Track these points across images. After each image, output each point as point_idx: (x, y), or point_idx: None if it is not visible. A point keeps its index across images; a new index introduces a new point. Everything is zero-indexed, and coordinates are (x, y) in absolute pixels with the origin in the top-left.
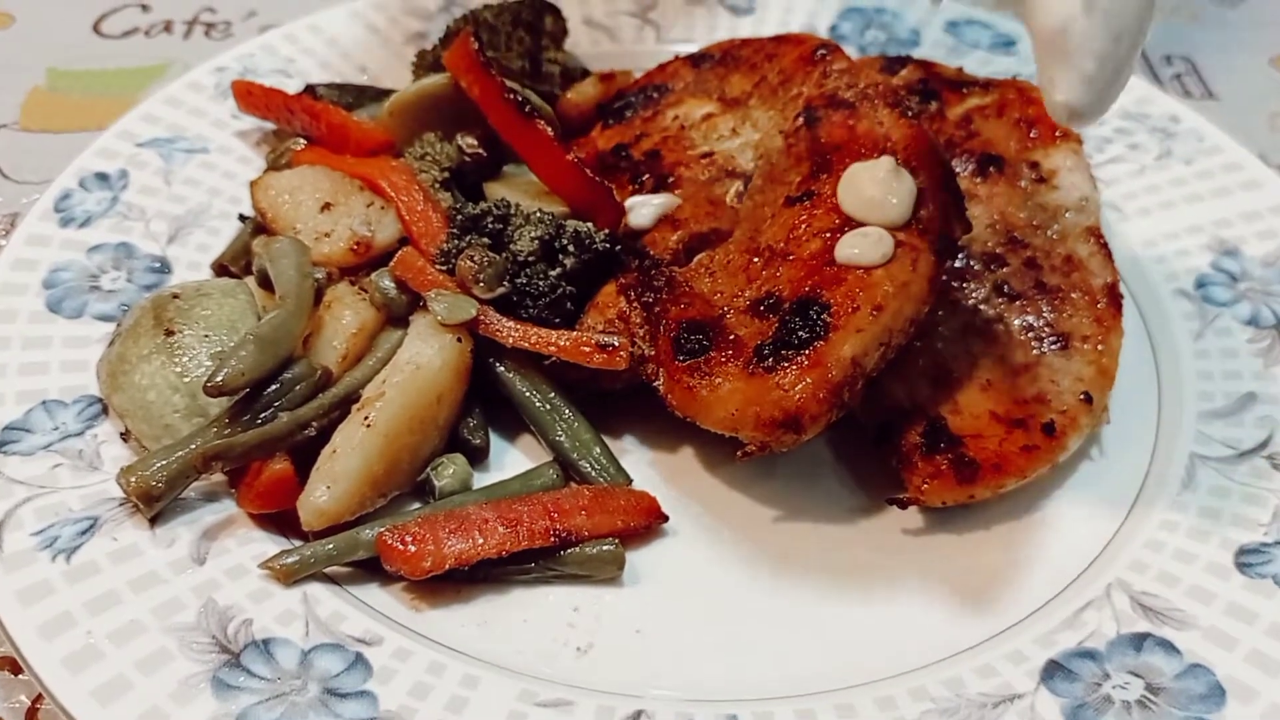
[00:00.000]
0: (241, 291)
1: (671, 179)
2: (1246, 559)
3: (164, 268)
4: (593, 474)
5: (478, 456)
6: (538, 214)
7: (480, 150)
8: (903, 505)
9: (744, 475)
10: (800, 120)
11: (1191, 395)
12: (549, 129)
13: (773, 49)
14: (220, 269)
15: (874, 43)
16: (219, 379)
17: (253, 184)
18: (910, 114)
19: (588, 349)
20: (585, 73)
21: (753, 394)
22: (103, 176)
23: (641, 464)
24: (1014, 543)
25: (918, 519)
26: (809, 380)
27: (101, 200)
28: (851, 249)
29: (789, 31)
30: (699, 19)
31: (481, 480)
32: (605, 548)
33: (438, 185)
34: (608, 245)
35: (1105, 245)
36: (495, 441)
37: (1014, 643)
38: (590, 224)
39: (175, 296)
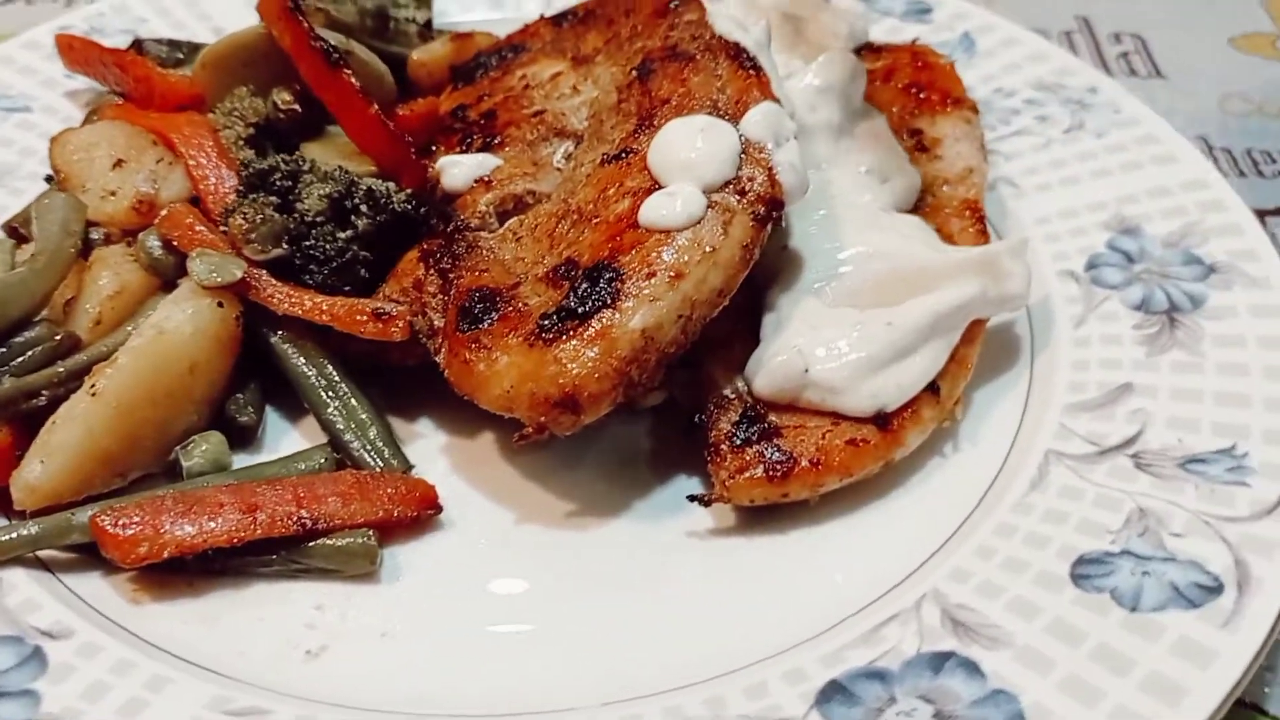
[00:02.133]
0: (2, 249)
1: (499, 140)
2: (1085, 569)
3: None
4: (365, 457)
5: (245, 437)
6: (331, 171)
7: (295, 106)
8: (705, 503)
9: (545, 464)
10: (634, 73)
11: (1062, 386)
12: (354, 80)
13: (632, 3)
14: (11, 230)
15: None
16: None
17: (52, 141)
18: (752, 68)
19: (362, 317)
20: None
21: (529, 369)
22: None
23: (432, 449)
24: (831, 547)
25: (730, 517)
26: (590, 355)
27: None
28: (657, 210)
29: None
30: None
31: (249, 463)
32: (356, 540)
33: (241, 142)
34: (407, 206)
35: (982, 220)
36: (276, 423)
37: (798, 659)
38: (391, 183)
39: None
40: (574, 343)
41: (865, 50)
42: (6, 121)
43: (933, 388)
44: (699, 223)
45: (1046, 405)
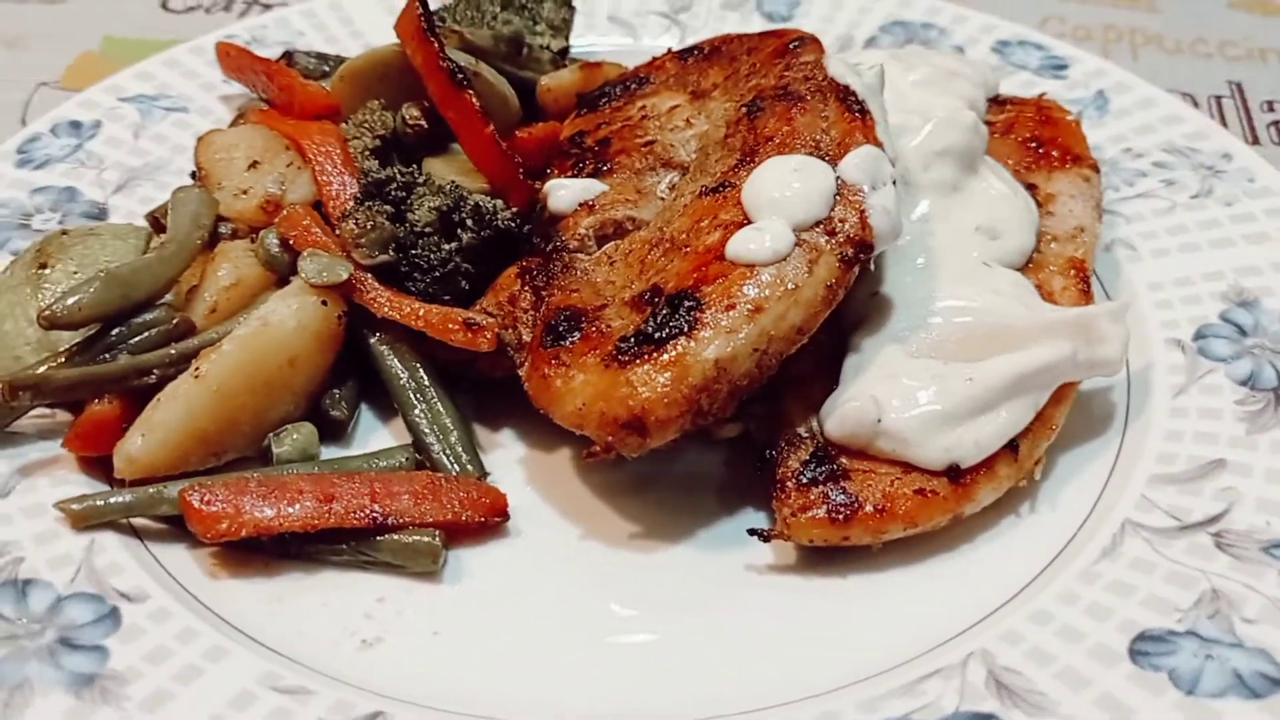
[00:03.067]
0: (134, 236)
1: (609, 166)
2: (1144, 646)
3: (100, 214)
4: (444, 460)
5: (336, 431)
6: (443, 185)
7: (422, 122)
8: (764, 538)
9: (616, 484)
10: (744, 110)
11: (1151, 456)
12: (474, 100)
13: (755, 42)
14: (153, 220)
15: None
16: (52, 309)
17: (198, 140)
18: (858, 110)
19: (454, 326)
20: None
21: (602, 389)
22: (75, 125)
23: (510, 459)
24: (889, 595)
25: (792, 555)
26: (661, 380)
27: (65, 146)
28: (744, 244)
29: (824, 39)
30: (730, 25)
31: (337, 456)
32: (422, 539)
33: (368, 152)
34: (511, 224)
35: (1085, 281)
36: (368, 420)
37: (835, 703)
38: (498, 201)
39: (64, 233)
40: (647, 367)
41: (992, 102)
42: (165, 120)
43: (1012, 446)
44: (785, 259)
45: (1131, 474)
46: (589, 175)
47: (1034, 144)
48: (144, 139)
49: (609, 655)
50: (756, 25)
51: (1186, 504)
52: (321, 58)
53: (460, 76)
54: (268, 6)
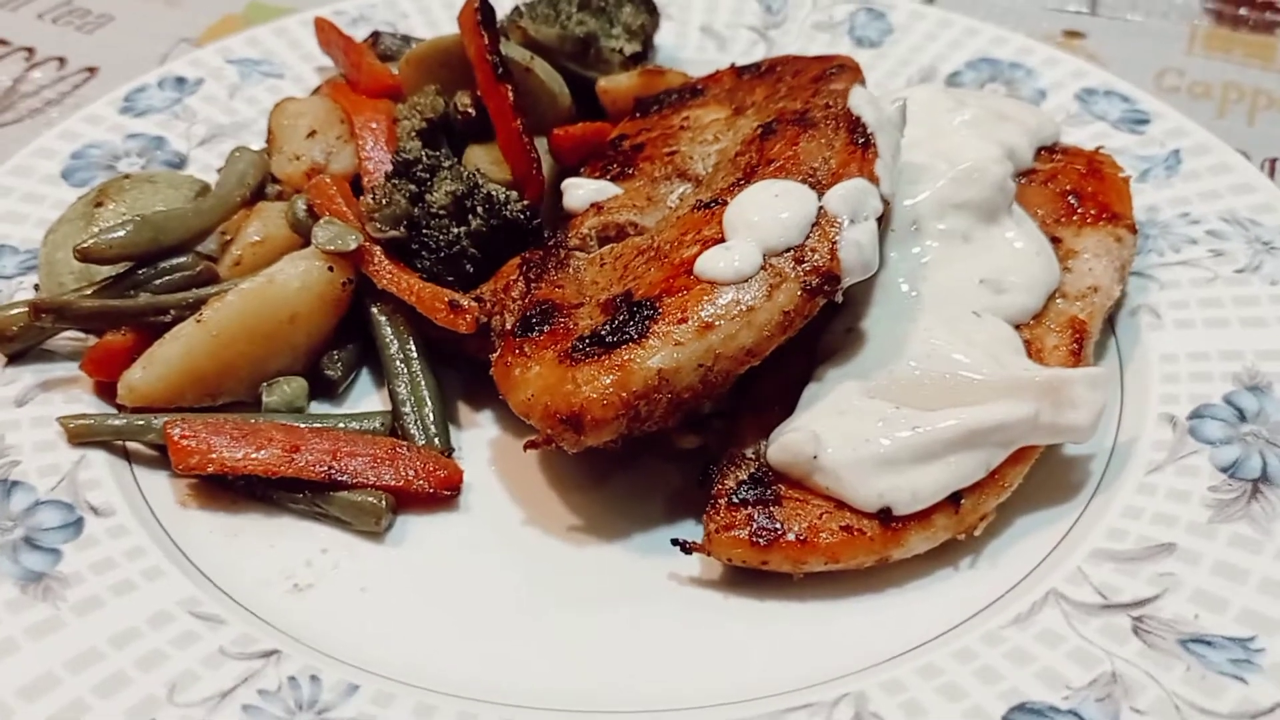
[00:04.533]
0: (188, 186)
1: (631, 172)
2: (1019, 717)
3: (181, 164)
4: (413, 429)
5: (329, 389)
6: (463, 172)
7: (470, 110)
8: (686, 550)
9: (572, 479)
10: (758, 130)
11: (1102, 530)
12: (510, 94)
13: (803, 65)
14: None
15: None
16: (86, 244)
17: (275, 105)
18: (861, 143)
19: (440, 305)
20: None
21: (550, 383)
22: (181, 80)
23: (481, 440)
24: (797, 626)
25: (718, 571)
26: (604, 382)
27: (166, 99)
28: (712, 261)
29: (907, 69)
30: (818, 45)
31: (324, 412)
32: (369, 499)
33: (414, 133)
34: (520, 216)
35: (1080, 343)
36: (364, 384)
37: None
38: (513, 192)
39: (126, 177)
40: (593, 368)
41: (1046, 151)
42: (261, 84)
43: (954, 498)
44: (747, 281)
45: (1078, 545)
46: (613, 178)
47: (1071, 197)
48: (237, 99)
49: (507, 636)
50: (845, 48)
51: (1119, 583)
52: (406, 40)
53: (502, 70)
54: None
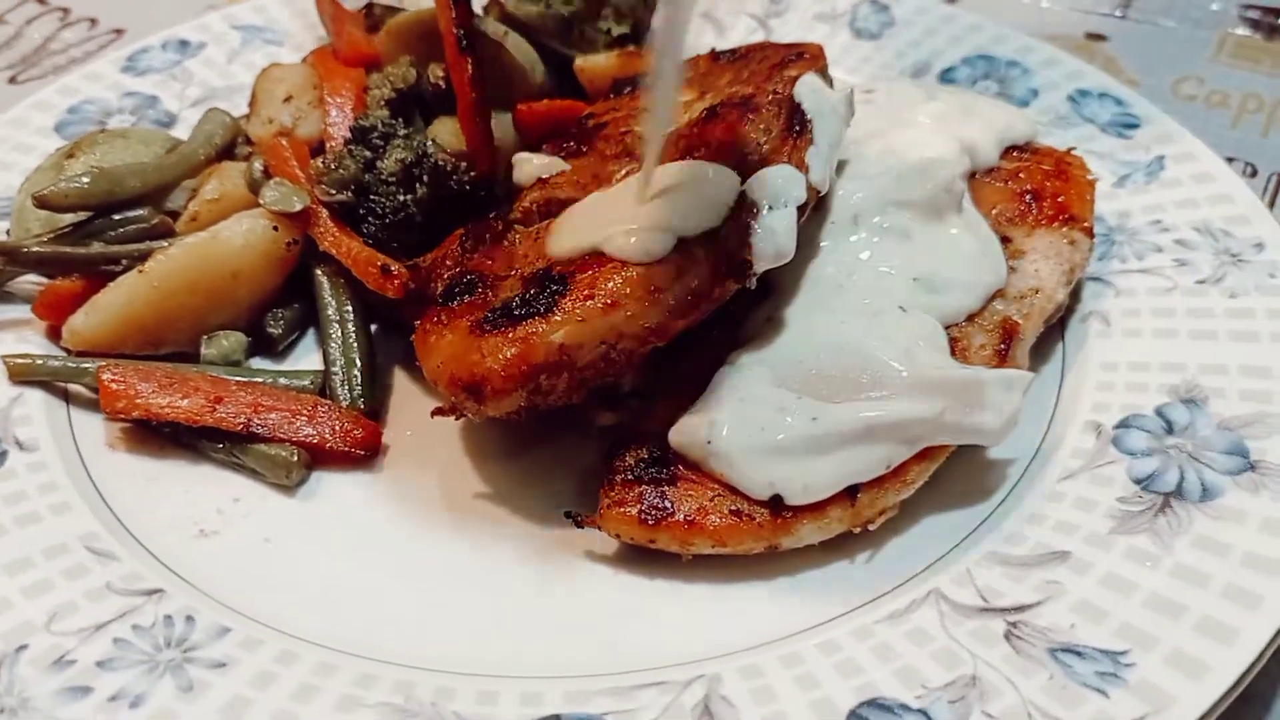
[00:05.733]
0: (159, 143)
1: (585, 150)
2: (867, 712)
3: (170, 123)
4: (339, 389)
5: (270, 345)
6: (416, 142)
7: (441, 82)
8: (578, 523)
9: (491, 451)
10: (704, 113)
11: (1001, 534)
12: (470, 67)
13: (771, 51)
14: None
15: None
16: (44, 191)
17: (261, 70)
18: (796, 130)
19: (372, 269)
20: None
21: (458, 351)
22: (184, 43)
23: (411, 406)
24: (678, 605)
25: (613, 547)
26: (506, 354)
27: (167, 61)
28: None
29: (901, 62)
30: (816, 35)
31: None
32: (282, 453)
33: (383, 103)
34: (466, 186)
35: (1008, 344)
36: (308, 345)
37: (543, 687)
38: (463, 163)
39: (102, 131)
40: (498, 339)
41: (1014, 150)
42: (260, 50)
43: (851, 491)
44: (656, 262)
45: (973, 547)
46: (566, 155)
47: (1028, 196)
48: (235, 64)
49: (393, 596)
50: (844, 39)
51: (1003, 588)
52: (396, 12)
53: (466, 43)
54: None
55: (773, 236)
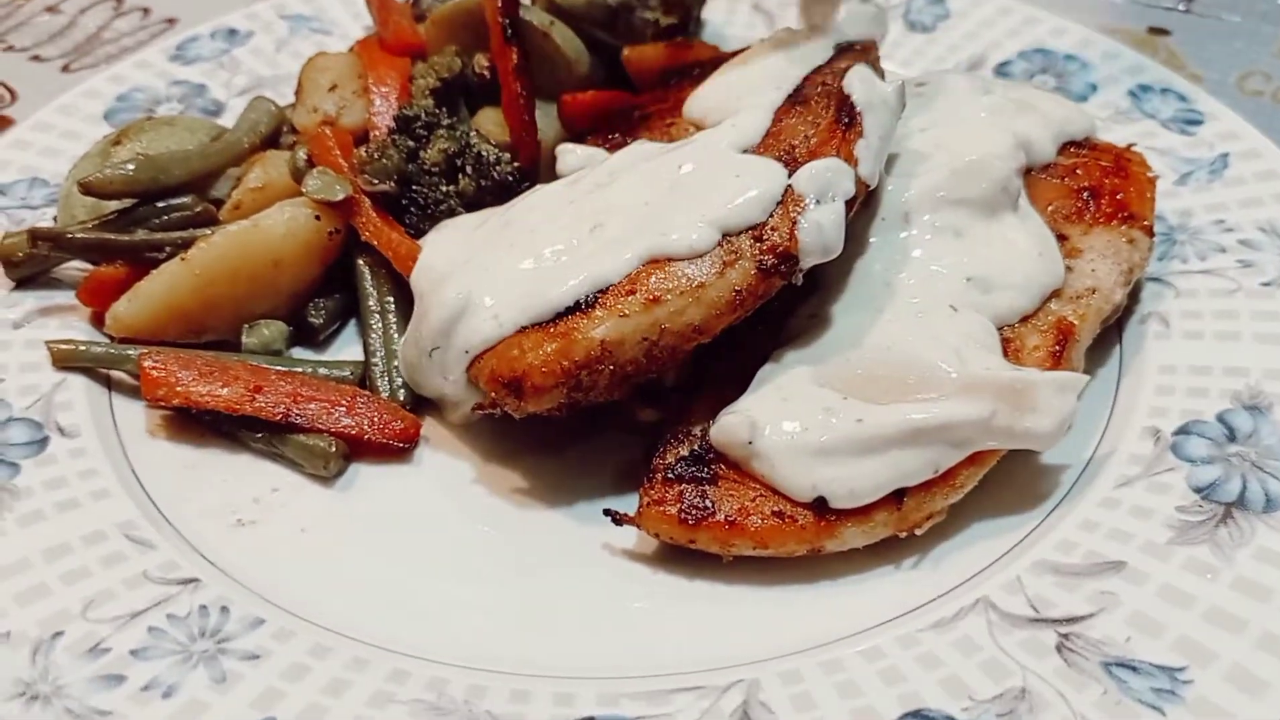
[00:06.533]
0: (204, 130)
1: (628, 141)
2: None
3: (217, 111)
4: (379, 381)
5: (311, 335)
6: (459, 132)
7: (486, 71)
8: (617, 521)
9: (530, 445)
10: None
11: (1053, 541)
12: (515, 56)
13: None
14: None
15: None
16: (89, 178)
17: (308, 60)
18: (846, 122)
19: (413, 261)
20: None
21: (500, 348)
22: (233, 32)
23: None
24: (719, 608)
25: (652, 545)
26: (547, 350)
27: (216, 49)
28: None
29: (956, 55)
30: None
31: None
32: (320, 444)
33: (428, 92)
34: (510, 177)
35: (1064, 345)
36: (349, 334)
37: (578, 688)
38: (505, 154)
39: (149, 118)
40: (539, 335)
41: (1073, 146)
42: (308, 40)
43: (898, 494)
44: (700, 257)
45: (1025, 554)
46: (613, 147)
47: (1086, 193)
48: (283, 53)
49: (428, 592)
50: (897, 32)
51: (1055, 597)
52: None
53: (511, 32)
54: None
55: (820, 231)
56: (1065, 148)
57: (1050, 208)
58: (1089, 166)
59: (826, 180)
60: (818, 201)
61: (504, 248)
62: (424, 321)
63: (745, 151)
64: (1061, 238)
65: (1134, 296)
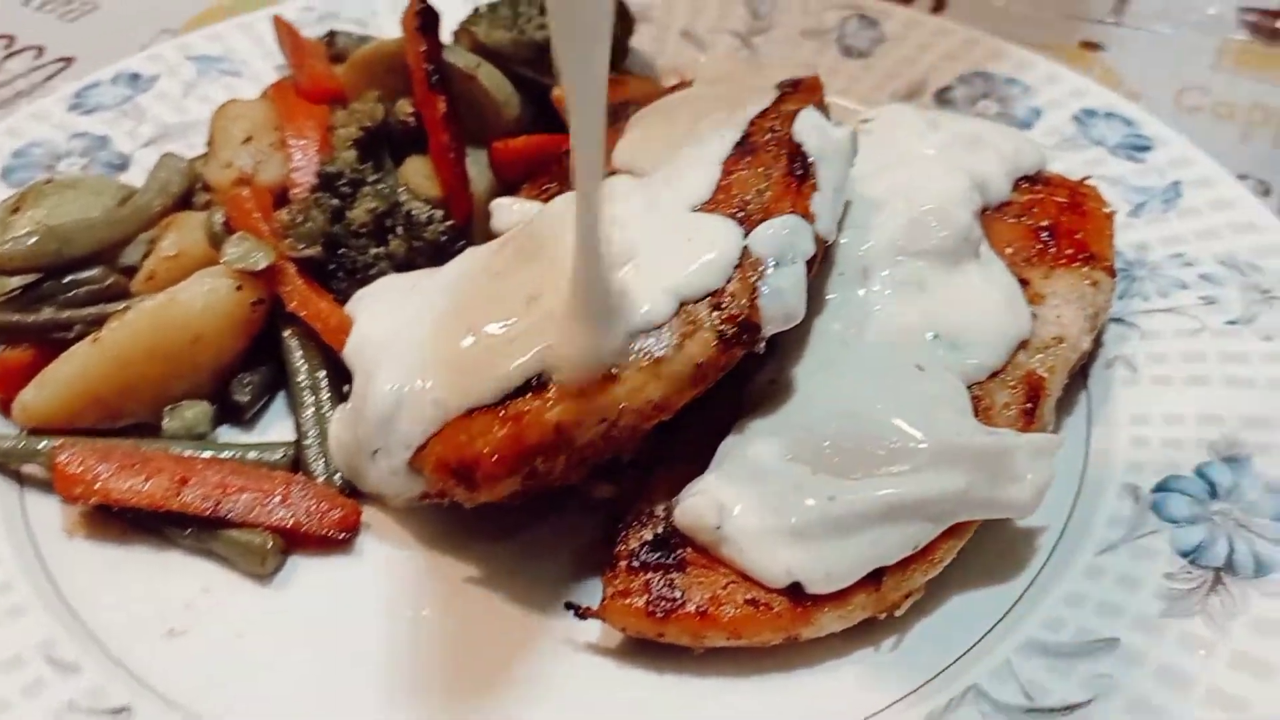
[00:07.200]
0: (110, 193)
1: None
2: None
3: (123, 165)
4: (314, 464)
5: (237, 414)
6: (386, 188)
7: (410, 119)
8: (580, 615)
9: (480, 528)
10: None
11: (1039, 617)
12: (443, 105)
13: (760, 79)
14: None
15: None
16: None
17: (218, 107)
18: (799, 174)
19: (345, 335)
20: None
21: (447, 433)
22: (135, 77)
23: None
24: (688, 703)
25: (617, 637)
26: (498, 435)
27: (118, 96)
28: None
29: (894, 82)
30: (804, 53)
31: (232, 440)
32: (255, 539)
33: (351, 143)
34: (441, 237)
35: (1035, 402)
36: (279, 410)
37: None
38: (438, 212)
39: (49, 181)
40: (488, 417)
41: (1024, 181)
42: (216, 83)
43: (875, 574)
44: (656, 328)
45: (1010, 633)
46: (550, 199)
47: (1044, 233)
48: (190, 98)
49: (375, 695)
50: (831, 58)
51: (1048, 683)
52: (364, 40)
53: (436, 78)
54: None
55: (781, 296)
56: (1019, 183)
57: (1009, 250)
58: (1045, 204)
59: (784, 240)
60: (776, 264)
61: (439, 323)
62: (362, 413)
63: (695, 210)
64: (1023, 282)
65: (1097, 339)
